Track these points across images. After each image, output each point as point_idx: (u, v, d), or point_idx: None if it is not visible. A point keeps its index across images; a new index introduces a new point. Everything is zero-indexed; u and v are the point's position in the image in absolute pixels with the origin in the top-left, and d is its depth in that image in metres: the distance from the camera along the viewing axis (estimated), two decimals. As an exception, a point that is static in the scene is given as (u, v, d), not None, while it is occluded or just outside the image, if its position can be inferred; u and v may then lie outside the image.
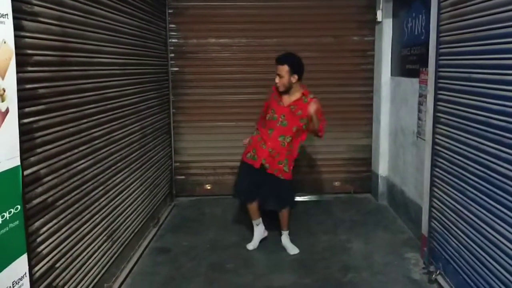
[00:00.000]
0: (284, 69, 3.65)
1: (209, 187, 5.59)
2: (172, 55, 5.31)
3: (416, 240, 4.01)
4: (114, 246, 3.33)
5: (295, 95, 3.74)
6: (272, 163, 3.76)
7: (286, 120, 3.72)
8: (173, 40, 5.30)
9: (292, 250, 3.96)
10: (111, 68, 3.32)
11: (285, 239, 4.03)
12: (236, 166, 5.36)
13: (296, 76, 3.67)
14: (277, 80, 3.70)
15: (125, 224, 3.59)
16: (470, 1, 2.82)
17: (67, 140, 2.59)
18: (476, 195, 2.77)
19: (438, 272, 3.31)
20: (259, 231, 4.08)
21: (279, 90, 3.75)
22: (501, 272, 2.47)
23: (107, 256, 3.18)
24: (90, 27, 2.91)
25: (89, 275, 2.86)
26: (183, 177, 5.56)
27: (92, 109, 2.94)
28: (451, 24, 3.10)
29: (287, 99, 3.76)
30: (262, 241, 4.09)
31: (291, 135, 3.75)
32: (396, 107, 4.84)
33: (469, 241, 2.86)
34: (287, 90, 3.73)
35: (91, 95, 2.93)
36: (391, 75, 4.99)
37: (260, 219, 4.08)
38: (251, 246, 4.03)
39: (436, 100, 3.34)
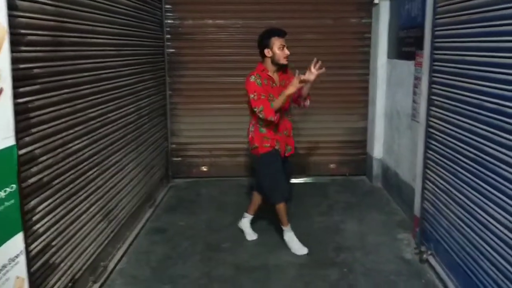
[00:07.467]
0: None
1: (205, 169, 5.63)
2: (168, 36, 5.28)
3: (409, 221, 4.06)
4: (110, 225, 3.37)
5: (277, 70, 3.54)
6: (291, 141, 3.74)
7: None
8: (169, 21, 5.27)
9: (300, 250, 3.64)
10: (106, 48, 3.31)
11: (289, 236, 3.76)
12: (232, 148, 5.46)
13: None
14: (287, 51, 3.42)
15: (121, 205, 3.63)
16: (466, -17, 2.81)
17: (63, 120, 2.60)
18: (467, 177, 2.80)
19: (429, 252, 3.37)
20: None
21: (284, 63, 3.46)
22: (489, 253, 2.52)
23: (103, 236, 3.23)
24: (85, 7, 2.90)
25: (85, 253, 2.90)
26: (179, 158, 5.59)
27: (88, 90, 2.95)
28: (447, 6, 3.09)
29: (276, 78, 3.55)
30: (257, 222, 4.09)
31: (289, 105, 3.66)
32: (392, 90, 4.85)
33: (459, 222, 2.90)
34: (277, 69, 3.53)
35: (87, 76, 2.94)
36: (388, 57, 4.98)
37: None
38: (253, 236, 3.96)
39: (430, 82, 3.35)
